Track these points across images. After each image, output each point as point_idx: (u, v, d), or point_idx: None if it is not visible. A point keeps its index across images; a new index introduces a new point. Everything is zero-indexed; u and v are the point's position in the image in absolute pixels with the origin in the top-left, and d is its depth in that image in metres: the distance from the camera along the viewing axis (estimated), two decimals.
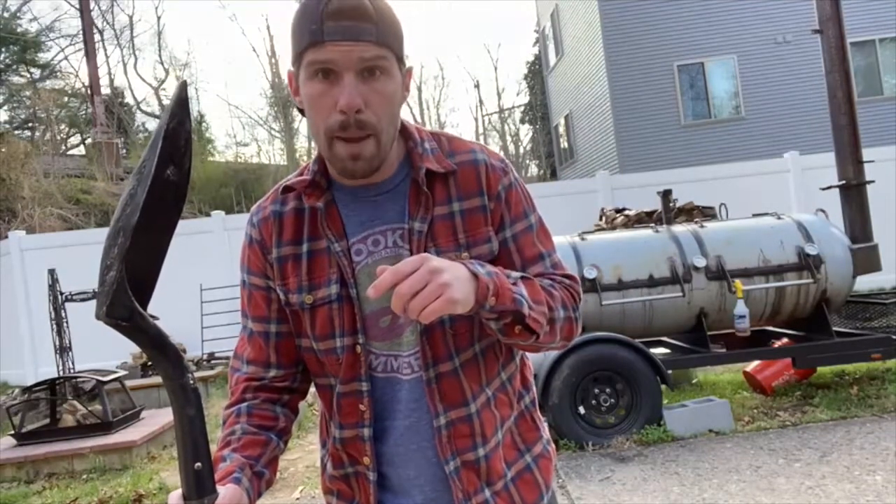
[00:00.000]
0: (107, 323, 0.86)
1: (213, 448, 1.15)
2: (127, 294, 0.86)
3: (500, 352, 1.21)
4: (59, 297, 6.74)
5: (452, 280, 0.96)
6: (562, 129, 20.45)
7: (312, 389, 1.28)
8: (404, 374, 1.17)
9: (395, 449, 1.18)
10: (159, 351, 0.91)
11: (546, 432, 1.31)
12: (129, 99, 26.23)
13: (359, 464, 1.20)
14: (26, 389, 6.19)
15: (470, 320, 1.15)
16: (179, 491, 0.98)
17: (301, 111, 1.20)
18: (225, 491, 1.01)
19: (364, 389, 1.16)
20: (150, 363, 7.90)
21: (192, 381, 0.93)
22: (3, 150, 14.54)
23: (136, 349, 7.24)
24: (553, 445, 1.33)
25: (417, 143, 1.18)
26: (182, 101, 0.91)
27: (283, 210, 1.20)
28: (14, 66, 25.18)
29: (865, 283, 7.36)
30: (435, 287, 0.94)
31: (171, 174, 0.88)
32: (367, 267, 1.15)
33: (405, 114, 1.25)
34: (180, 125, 0.89)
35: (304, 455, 5.44)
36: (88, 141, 23.38)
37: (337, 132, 1.07)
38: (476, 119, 35.19)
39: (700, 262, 5.16)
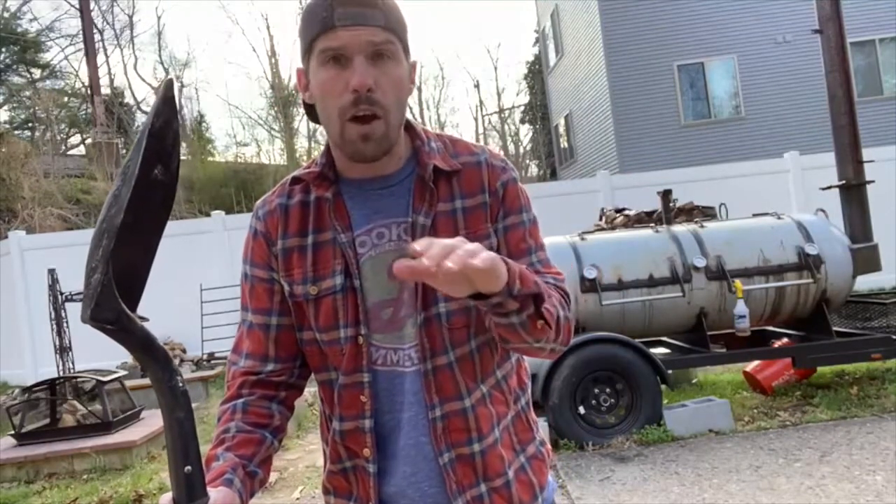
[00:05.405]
0: (93, 326, 0.85)
1: (209, 447, 1.14)
2: (113, 296, 0.84)
3: (495, 350, 1.21)
4: (59, 297, 6.75)
5: (487, 254, 0.94)
6: (562, 129, 20.43)
7: (313, 389, 1.27)
8: (405, 367, 1.17)
9: (394, 443, 1.18)
10: (147, 353, 0.90)
11: (539, 434, 1.30)
12: (129, 99, 26.23)
13: (358, 457, 1.20)
14: (26, 389, 6.18)
15: (467, 316, 1.16)
16: (170, 494, 0.96)
17: (307, 108, 1.22)
18: (216, 494, 1.00)
19: (365, 381, 1.17)
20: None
21: (181, 384, 0.91)
22: (3, 150, 14.55)
23: None
24: (548, 446, 1.32)
25: (424, 142, 1.21)
26: (168, 99, 0.89)
27: (289, 203, 1.22)
28: (14, 66, 25.23)
29: (865, 283, 7.34)
30: (472, 247, 0.92)
31: (159, 174, 0.86)
32: (370, 259, 1.16)
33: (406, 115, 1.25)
34: (167, 124, 0.88)
35: (304, 455, 5.43)
36: (88, 141, 23.38)
37: (349, 110, 1.09)
38: (476, 119, 35.17)
39: (700, 262, 5.15)
